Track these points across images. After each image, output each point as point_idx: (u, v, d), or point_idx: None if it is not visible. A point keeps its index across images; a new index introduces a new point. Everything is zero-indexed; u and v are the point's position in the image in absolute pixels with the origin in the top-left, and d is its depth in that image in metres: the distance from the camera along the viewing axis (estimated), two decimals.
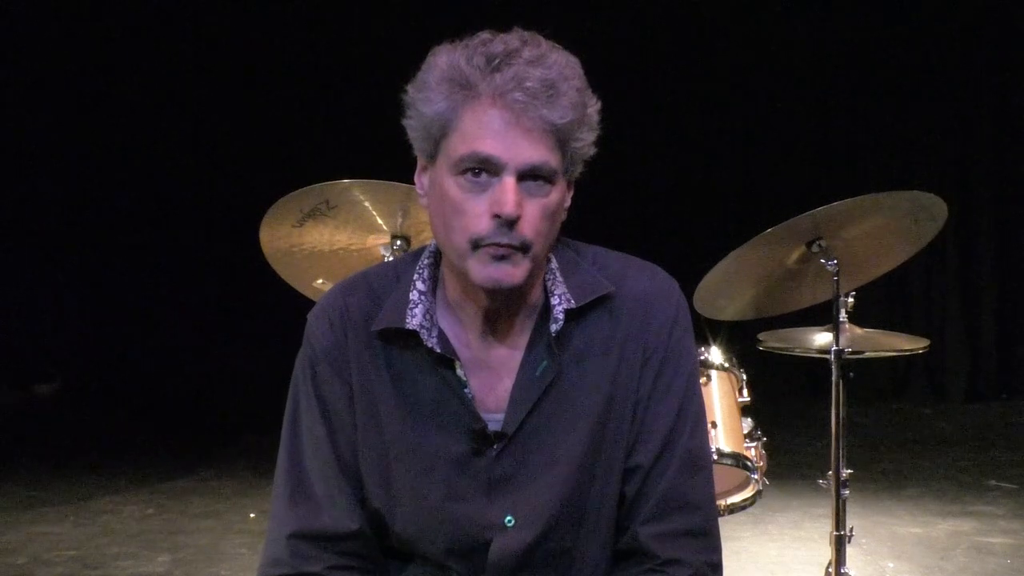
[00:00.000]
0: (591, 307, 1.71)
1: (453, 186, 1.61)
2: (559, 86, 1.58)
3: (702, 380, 3.10)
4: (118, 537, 4.93)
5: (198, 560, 4.59)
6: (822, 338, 3.26)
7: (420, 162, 1.70)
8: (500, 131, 1.57)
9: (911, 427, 7.10)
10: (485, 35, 1.61)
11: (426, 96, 1.61)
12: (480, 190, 1.60)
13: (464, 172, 1.60)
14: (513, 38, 1.60)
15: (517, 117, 1.57)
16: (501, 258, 1.60)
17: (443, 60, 1.61)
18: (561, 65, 1.60)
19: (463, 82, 1.59)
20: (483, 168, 1.59)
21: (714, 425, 3.08)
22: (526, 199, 1.60)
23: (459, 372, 1.68)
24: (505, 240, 1.59)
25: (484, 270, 1.61)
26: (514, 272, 1.61)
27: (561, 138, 1.60)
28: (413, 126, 1.65)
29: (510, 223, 1.58)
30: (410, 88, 1.64)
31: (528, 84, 1.56)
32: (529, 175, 1.60)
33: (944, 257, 7.63)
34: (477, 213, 1.59)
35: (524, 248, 1.60)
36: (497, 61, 1.58)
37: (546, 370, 1.68)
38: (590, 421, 1.69)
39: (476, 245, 1.60)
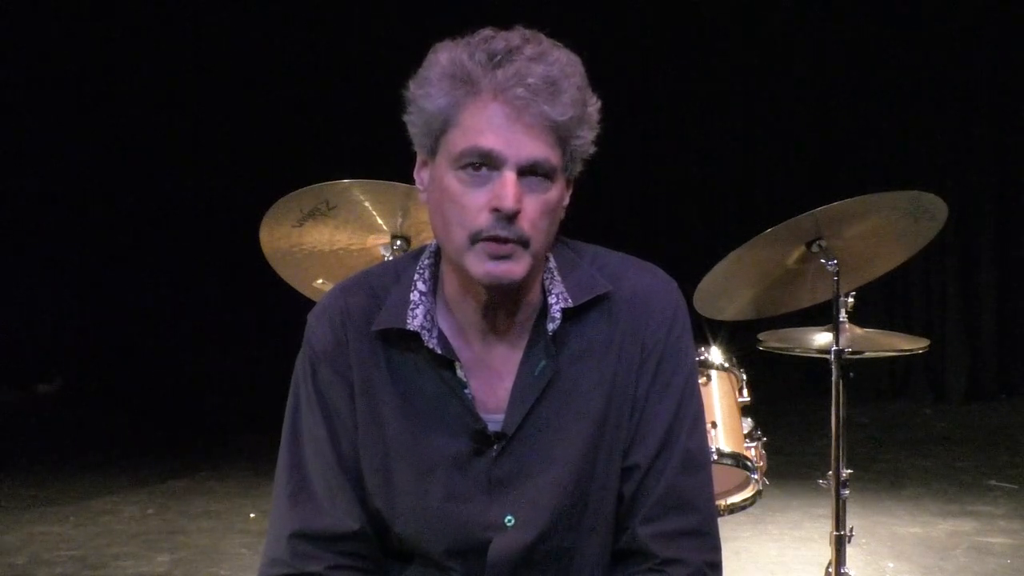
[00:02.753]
0: (589, 307, 1.71)
1: (453, 181, 1.61)
2: (560, 83, 1.58)
3: (702, 380, 3.10)
4: (118, 537, 4.93)
5: (198, 560, 4.60)
6: (822, 338, 3.26)
7: (420, 158, 1.70)
8: (501, 126, 1.58)
9: (911, 427, 7.10)
10: (487, 32, 1.62)
11: (427, 92, 1.62)
12: (480, 184, 1.60)
13: (464, 167, 1.60)
14: (515, 35, 1.61)
15: (519, 113, 1.57)
16: (501, 257, 1.60)
17: (445, 56, 1.61)
18: (563, 63, 1.60)
19: (465, 78, 1.59)
20: (483, 163, 1.59)
21: (714, 425, 3.08)
22: (526, 194, 1.60)
23: (459, 373, 1.68)
24: (504, 234, 1.59)
25: (483, 266, 1.61)
26: (514, 268, 1.61)
27: (562, 135, 1.61)
28: (414, 122, 1.65)
29: (509, 217, 1.58)
30: (411, 84, 1.64)
31: (530, 80, 1.56)
32: (529, 171, 1.60)
33: (944, 257, 7.63)
34: (477, 207, 1.59)
35: (523, 243, 1.60)
36: (499, 57, 1.58)
37: (544, 370, 1.69)
38: (589, 420, 1.69)
39: (475, 239, 1.60)
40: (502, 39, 1.60)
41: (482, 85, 1.58)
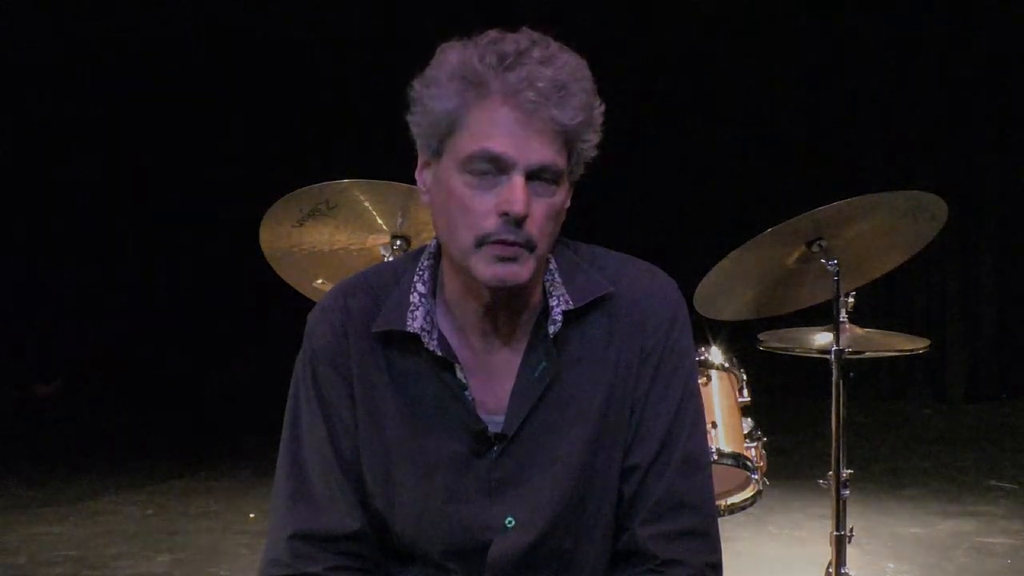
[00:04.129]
0: (590, 308, 1.70)
1: (460, 183, 1.61)
2: (570, 87, 1.58)
3: (702, 380, 3.10)
4: (118, 537, 4.93)
5: (198, 560, 4.60)
6: (822, 338, 3.26)
7: (422, 158, 1.69)
8: (511, 130, 1.58)
9: (911, 427, 7.09)
10: (494, 34, 1.61)
11: (435, 92, 1.61)
12: (487, 187, 1.59)
13: (472, 170, 1.60)
14: (523, 38, 1.60)
15: (528, 117, 1.57)
16: (507, 259, 1.60)
17: (454, 57, 1.60)
18: (571, 66, 1.60)
19: (475, 79, 1.58)
20: (491, 166, 1.59)
21: (714, 425, 3.09)
22: (533, 198, 1.60)
23: (459, 375, 1.68)
24: (511, 237, 1.59)
25: (489, 268, 1.60)
26: (519, 271, 1.61)
27: (569, 139, 1.61)
28: (418, 122, 1.65)
29: (518, 221, 1.58)
30: (417, 84, 1.64)
31: (540, 84, 1.56)
32: (536, 175, 1.60)
33: (944, 257, 7.62)
34: (484, 211, 1.59)
35: (529, 246, 1.60)
36: (509, 60, 1.57)
37: (544, 371, 1.68)
38: (589, 422, 1.69)
39: (481, 242, 1.60)
40: (511, 41, 1.59)
41: (492, 88, 1.58)
